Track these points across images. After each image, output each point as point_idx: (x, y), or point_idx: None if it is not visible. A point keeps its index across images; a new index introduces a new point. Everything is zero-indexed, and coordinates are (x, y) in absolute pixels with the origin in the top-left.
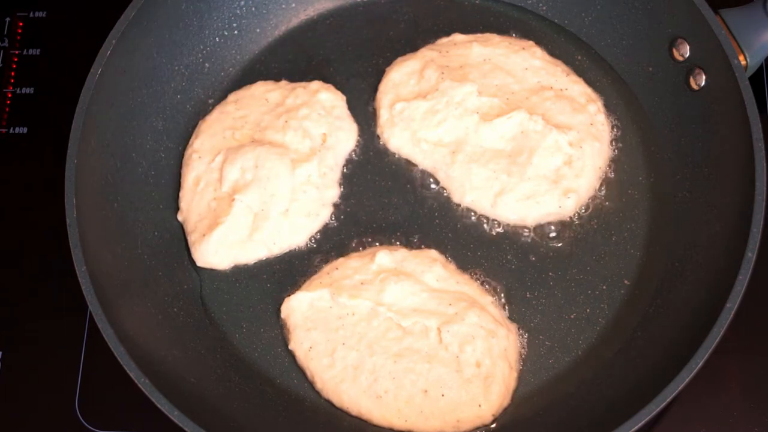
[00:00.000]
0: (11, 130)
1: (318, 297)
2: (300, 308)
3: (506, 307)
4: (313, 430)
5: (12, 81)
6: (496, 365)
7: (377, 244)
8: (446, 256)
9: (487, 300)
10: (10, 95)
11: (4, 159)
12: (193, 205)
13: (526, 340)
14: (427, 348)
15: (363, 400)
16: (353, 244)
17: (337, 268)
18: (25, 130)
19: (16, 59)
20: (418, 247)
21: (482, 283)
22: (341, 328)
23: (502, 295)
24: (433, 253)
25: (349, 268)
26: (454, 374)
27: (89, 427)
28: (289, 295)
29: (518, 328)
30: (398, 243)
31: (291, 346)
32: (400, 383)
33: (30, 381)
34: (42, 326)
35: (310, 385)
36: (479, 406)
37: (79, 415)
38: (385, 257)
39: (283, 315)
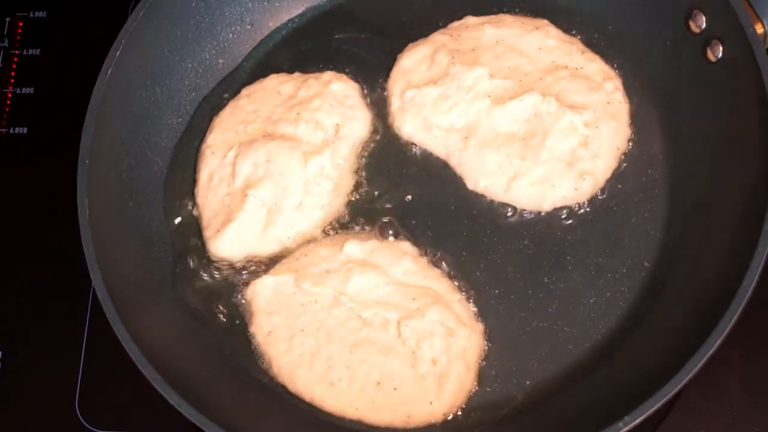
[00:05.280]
0: (11, 130)
1: (282, 282)
2: (264, 292)
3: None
4: (325, 426)
5: (12, 81)
6: (452, 364)
7: (390, 232)
8: (460, 245)
9: (455, 298)
10: (10, 95)
11: (4, 159)
12: (207, 201)
13: (544, 327)
14: (384, 341)
15: (316, 387)
16: (368, 234)
17: (305, 255)
18: (25, 130)
19: (16, 59)
20: (432, 236)
21: (497, 271)
22: (302, 315)
23: (518, 281)
24: (406, 245)
25: (317, 255)
26: (409, 369)
27: (89, 427)
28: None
29: (485, 329)
30: (415, 231)
31: (251, 330)
32: (354, 373)
33: (30, 381)
34: (42, 326)
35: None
36: (430, 403)
37: (79, 415)
38: (354, 247)
39: (247, 298)
